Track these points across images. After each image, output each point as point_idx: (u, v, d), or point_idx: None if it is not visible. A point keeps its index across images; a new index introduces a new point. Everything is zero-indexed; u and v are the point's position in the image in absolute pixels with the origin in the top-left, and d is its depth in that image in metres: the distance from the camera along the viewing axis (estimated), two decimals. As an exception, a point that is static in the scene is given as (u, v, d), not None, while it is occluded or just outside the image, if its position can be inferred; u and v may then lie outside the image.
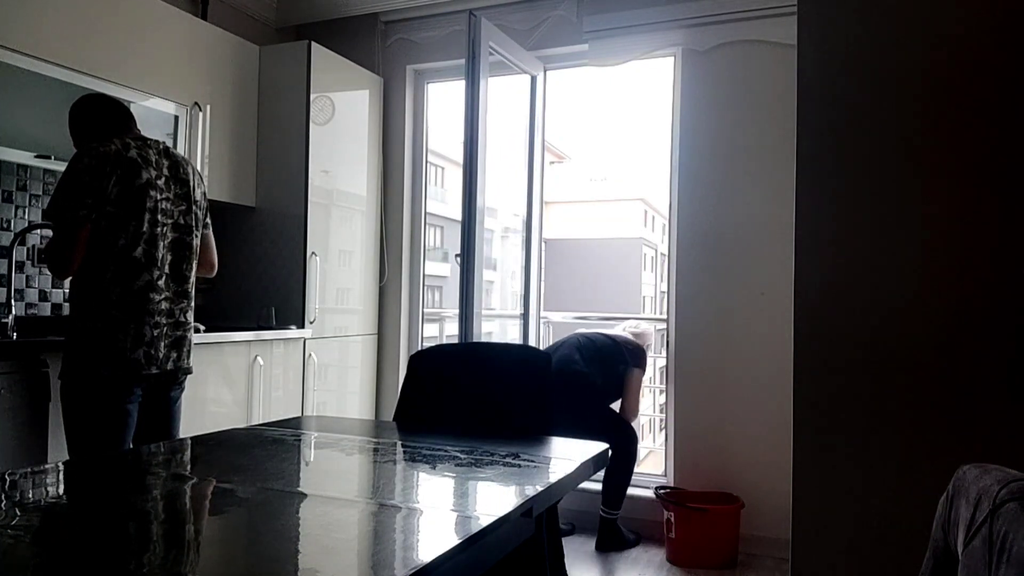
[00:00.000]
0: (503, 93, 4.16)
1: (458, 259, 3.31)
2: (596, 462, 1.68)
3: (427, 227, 4.26)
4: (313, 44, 3.57)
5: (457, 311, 3.27)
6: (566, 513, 3.46)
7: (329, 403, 3.72)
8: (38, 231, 2.98)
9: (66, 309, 3.09)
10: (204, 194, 2.48)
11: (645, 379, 3.66)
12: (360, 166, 3.94)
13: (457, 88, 4.24)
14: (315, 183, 3.58)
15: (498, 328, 4.66)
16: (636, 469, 3.92)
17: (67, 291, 3.09)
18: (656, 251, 25.94)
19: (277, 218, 3.59)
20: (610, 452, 1.74)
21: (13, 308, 2.77)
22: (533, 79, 3.79)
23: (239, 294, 3.66)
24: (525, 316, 3.79)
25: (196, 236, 2.40)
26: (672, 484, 3.47)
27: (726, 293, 3.40)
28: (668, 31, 3.50)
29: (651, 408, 7.90)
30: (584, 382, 3.34)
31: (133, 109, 2.99)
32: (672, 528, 3.16)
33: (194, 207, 2.38)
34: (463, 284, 3.25)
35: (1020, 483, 0.90)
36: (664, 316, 3.66)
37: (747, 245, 3.35)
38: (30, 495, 1.31)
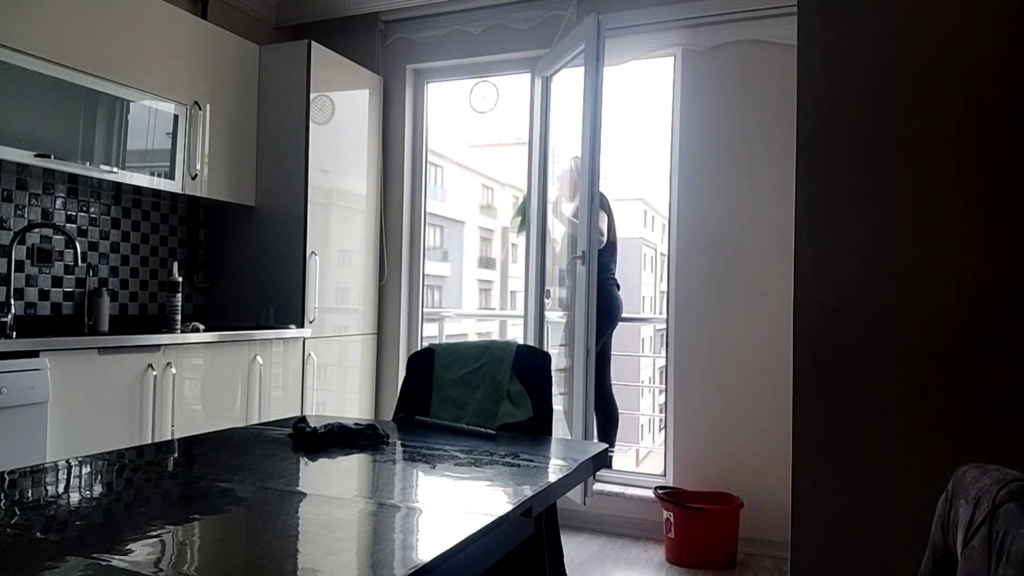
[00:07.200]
0: (505, 92, 4.17)
1: (580, 260, 3.22)
2: (596, 462, 1.69)
3: (427, 227, 4.26)
4: (313, 43, 3.57)
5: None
6: (567, 514, 3.46)
7: (329, 403, 3.72)
8: (37, 230, 2.98)
9: (66, 309, 3.09)
10: None
11: (645, 377, 3.68)
12: (360, 166, 3.94)
13: (457, 87, 4.25)
14: (315, 183, 3.58)
15: (498, 328, 4.65)
16: (636, 469, 3.93)
17: (66, 289, 3.09)
18: (656, 251, 25.94)
19: (277, 217, 3.59)
20: None
21: (12, 307, 2.77)
22: (545, 80, 3.77)
23: (239, 293, 3.67)
24: (525, 316, 3.79)
25: None
26: (672, 484, 3.47)
27: (726, 293, 3.40)
28: (668, 31, 3.50)
29: (651, 408, 7.90)
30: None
31: (133, 108, 3.01)
32: (672, 528, 3.16)
33: None
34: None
35: (1019, 483, 0.90)
36: (664, 316, 3.66)
37: (747, 245, 3.35)
38: (29, 494, 1.31)
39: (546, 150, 3.77)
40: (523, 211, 3.65)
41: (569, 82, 3.57)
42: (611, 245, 3.74)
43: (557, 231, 3.82)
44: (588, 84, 3.17)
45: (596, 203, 3.19)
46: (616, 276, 3.78)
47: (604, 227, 3.67)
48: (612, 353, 3.92)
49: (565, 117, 3.68)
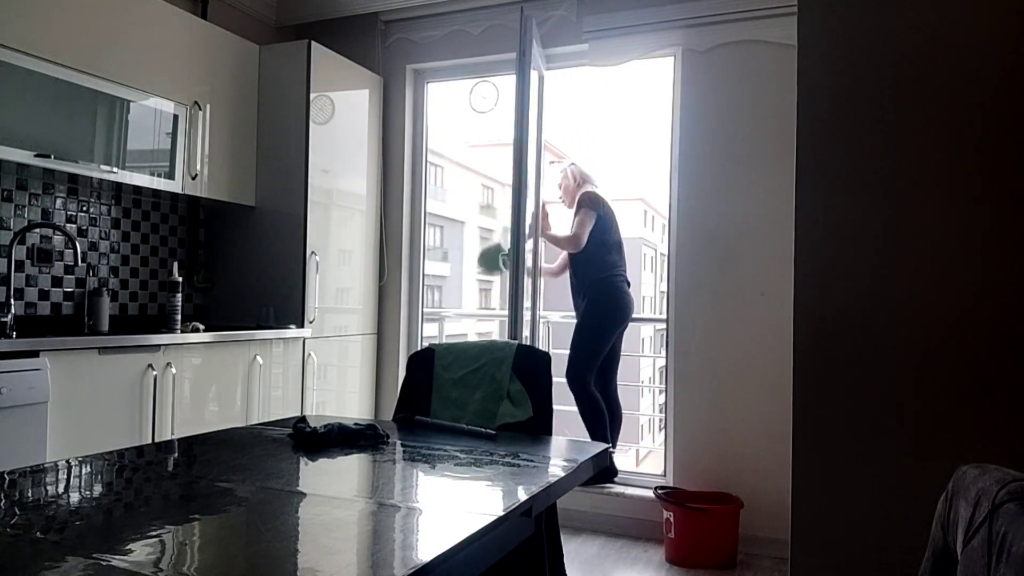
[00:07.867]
0: (505, 92, 4.16)
1: (505, 261, 3.33)
2: (596, 462, 1.69)
3: (427, 227, 4.26)
4: (313, 43, 3.57)
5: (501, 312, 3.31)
6: (567, 513, 3.46)
7: (329, 403, 3.72)
8: (37, 230, 2.98)
9: (66, 309, 3.09)
10: None
11: (644, 377, 3.68)
12: (360, 166, 3.94)
13: (457, 87, 4.25)
14: (315, 183, 3.58)
15: (498, 328, 4.66)
16: (636, 469, 3.93)
17: (66, 289, 3.09)
18: (656, 251, 25.93)
19: (277, 217, 3.59)
20: None
21: (12, 307, 2.77)
22: (540, 78, 3.77)
23: (239, 293, 3.67)
24: (530, 316, 3.78)
25: None
26: (672, 484, 3.47)
27: (726, 293, 3.40)
28: (668, 31, 3.50)
29: (651, 408, 7.91)
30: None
31: (133, 108, 3.01)
32: (671, 528, 3.16)
33: None
34: (512, 284, 3.25)
35: (1019, 483, 0.90)
36: (664, 316, 3.66)
37: (747, 245, 3.35)
38: (29, 494, 1.31)
39: (538, 150, 3.81)
40: (488, 254, 3.79)
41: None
42: (616, 244, 3.72)
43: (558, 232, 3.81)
44: (518, 82, 3.26)
45: (524, 201, 3.26)
46: (626, 274, 3.75)
47: (587, 231, 3.61)
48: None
49: (566, 119, 3.70)
